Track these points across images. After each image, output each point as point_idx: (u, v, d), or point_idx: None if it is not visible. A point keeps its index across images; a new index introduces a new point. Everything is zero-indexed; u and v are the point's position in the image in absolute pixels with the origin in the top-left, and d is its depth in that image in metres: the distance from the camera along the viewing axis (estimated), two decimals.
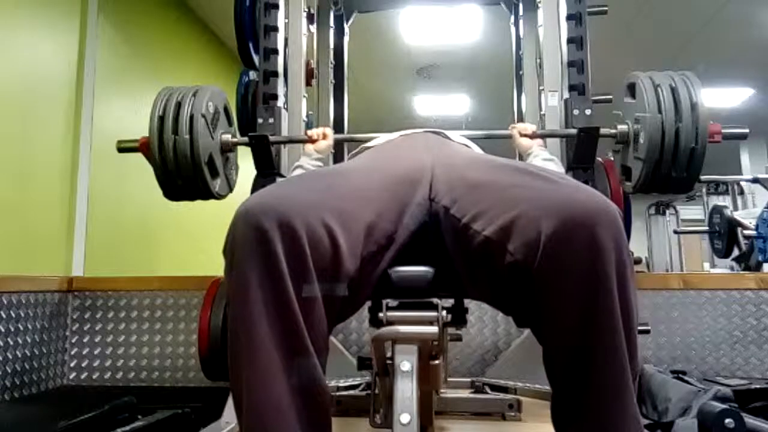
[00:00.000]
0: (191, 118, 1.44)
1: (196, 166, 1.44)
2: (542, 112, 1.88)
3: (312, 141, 1.57)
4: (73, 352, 2.13)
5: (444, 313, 0.91)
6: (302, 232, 0.76)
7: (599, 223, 0.74)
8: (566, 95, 1.70)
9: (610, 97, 1.76)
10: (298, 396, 0.73)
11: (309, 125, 2.10)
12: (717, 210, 4.16)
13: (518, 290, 0.82)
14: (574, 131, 1.54)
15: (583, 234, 0.74)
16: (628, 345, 0.73)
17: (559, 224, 0.75)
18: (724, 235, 4.00)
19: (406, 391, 0.81)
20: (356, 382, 1.80)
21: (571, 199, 0.78)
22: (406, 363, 0.83)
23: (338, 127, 2.45)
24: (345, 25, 2.53)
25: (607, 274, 0.73)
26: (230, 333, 0.76)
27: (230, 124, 1.63)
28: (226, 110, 1.60)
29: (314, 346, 0.75)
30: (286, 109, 1.78)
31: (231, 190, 1.63)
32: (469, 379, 1.91)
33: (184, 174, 1.45)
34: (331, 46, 2.45)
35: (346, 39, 2.54)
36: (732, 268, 4.26)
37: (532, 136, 1.55)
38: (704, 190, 5.29)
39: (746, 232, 3.65)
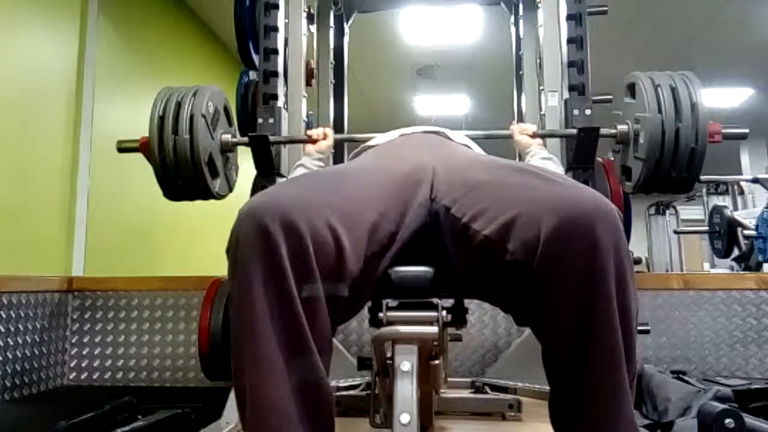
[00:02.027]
0: (191, 118, 1.44)
1: (196, 166, 1.44)
2: (542, 112, 1.89)
3: (312, 141, 1.57)
4: (73, 352, 2.13)
5: (444, 313, 0.91)
6: (306, 232, 0.75)
7: (598, 223, 0.74)
8: (566, 95, 1.70)
9: (610, 97, 1.76)
10: (301, 396, 0.73)
11: (309, 125, 2.10)
12: (717, 210, 4.17)
13: (517, 289, 0.82)
14: (574, 131, 1.54)
15: (582, 234, 0.74)
16: (626, 346, 0.73)
17: (558, 224, 0.75)
18: (724, 235, 4.00)
19: (406, 391, 0.81)
20: (356, 382, 1.80)
21: (570, 199, 0.78)
22: (406, 363, 0.83)
23: (338, 127, 2.45)
24: (345, 25, 2.53)
25: (605, 274, 0.73)
26: (233, 333, 0.76)
27: (230, 124, 1.63)
28: (226, 110, 1.60)
29: (317, 346, 0.75)
30: (286, 109, 1.78)
31: (231, 190, 1.63)
32: (469, 379, 1.91)
33: (184, 174, 1.45)
34: (331, 46, 2.45)
35: (346, 39, 2.54)
36: (732, 268, 4.26)
37: (533, 136, 1.55)
38: (704, 190, 5.29)
39: (746, 232, 3.65)
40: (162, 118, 1.45)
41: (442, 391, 1.52)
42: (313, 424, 0.74)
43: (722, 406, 1.28)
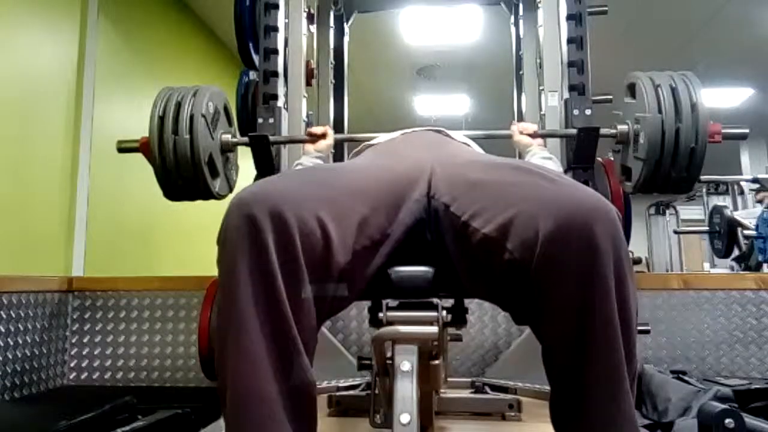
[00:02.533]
0: (191, 118, 1.44)
1: (196, 166, 1.44)
2: (542, 112, 1.89)
3: (312, 140, 1.57)
4: (73, 352, 2.13)
5: (444, 313, 0.91)
6: (293, 222, 0.76)
7: (597, 223, 0.74)
8: (566, 95, 1.70)
9: (610, 97, 1.76)
10: (284, 387, 0.73)
11: (309, 125, 2.10)
12: (717, 210, 4.17)
13: (517, 288, 0.82)
14: (574, 131, 1.54)
15: (581, 234, 0.73)
16: (625, 345, 0.73)
17: (557, 224, 0.75)
18: (724, 235, 4.00)
19: (406, 391, 0.81)
20: (356, 382, 1.80)
21: (569, 198, 0.78)
22: (406, 363, 0.83)
23: (338, 127, 2.45)
24: (345, 25, 2.53)
25: (604, 274, 0.73)
26: (217, 324, 0.76)
27: (230, 124, 1.63)
28: (226, 110, 1.60)
29: (302, 338, 0.75)
30: (286, 109, 1.78)
31: (231, 190, 1.63)
32: (469, 379, 1.90)
33: (184, 174, 1.45)
34: (331, 46, 2.45)
35: (346, 39, 2.54)
36: (732, 268, 4.27)
37: (533, 136, 1.55)
38: (704, 190, 5.30)
39: (746, 232, 3.66)
40: (162, 118, 1.45)
41: (442, 391, 1.52)
42: (296, 415, 0.74)
43: (722, 406, 1.28)
